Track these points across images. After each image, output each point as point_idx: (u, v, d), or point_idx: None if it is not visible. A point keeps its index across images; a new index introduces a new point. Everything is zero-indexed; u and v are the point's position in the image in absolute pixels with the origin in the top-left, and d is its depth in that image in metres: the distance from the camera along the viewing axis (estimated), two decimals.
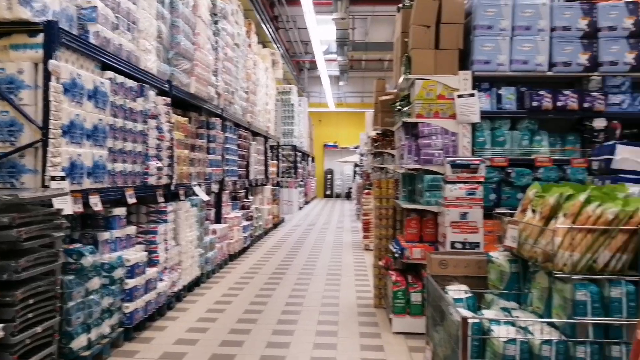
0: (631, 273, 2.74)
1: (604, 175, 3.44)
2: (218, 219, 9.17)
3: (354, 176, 27.38)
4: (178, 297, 6.57)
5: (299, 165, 23.08)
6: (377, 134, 10.35)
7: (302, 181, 23.22)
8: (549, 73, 5.63)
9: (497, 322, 2.88)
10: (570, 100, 5.50)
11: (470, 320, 2.78)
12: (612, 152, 3.31)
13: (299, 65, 28.15)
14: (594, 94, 5.49)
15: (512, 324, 2.88)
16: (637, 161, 3.30)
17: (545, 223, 3.12)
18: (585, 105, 5.49)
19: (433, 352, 3.64)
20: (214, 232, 8.38)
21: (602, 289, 2.72)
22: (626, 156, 3.29)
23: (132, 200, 5.22)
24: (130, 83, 5.32)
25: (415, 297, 5.46)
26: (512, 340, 2.73)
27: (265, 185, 13.94)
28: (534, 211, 3.36)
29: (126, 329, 5.08)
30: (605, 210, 2.75)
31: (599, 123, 5.51)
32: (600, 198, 2.83)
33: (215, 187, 8.70)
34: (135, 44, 5.61)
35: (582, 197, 2.88)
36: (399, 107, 6.17)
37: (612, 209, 2.73)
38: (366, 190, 12.63)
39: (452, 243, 5.01)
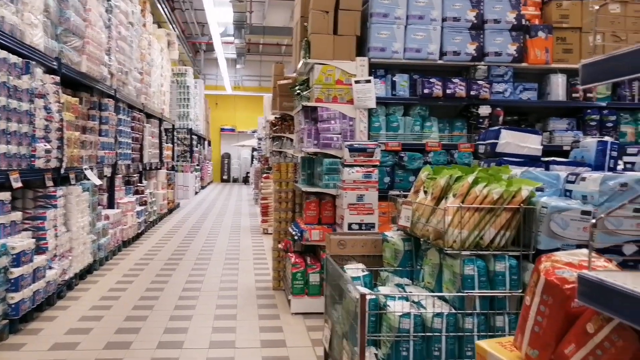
0: (513, 249, 2.97)
1: (489, 158, 3.69)
2: (111, 204, 8.83)
3: (252, 160, 27.29)
4: (69, 285, 6.28)
5: (195, 149, 22.64)
6: (276, 118, 10.38)
7: (198, 165, 22.82)
8: (440, 62, 5.91)
9: (393, 297, 3.02)
10: (458, 88, 5.80)
11: (368, 297, 2.89)
12: (497, 136, 3.55)
13: (195, 47, 27.50)
14: (480, 82, 5.83)
15: (406, 299, 3.03)
16: (519, 145, 3.56)
17: (436, 203, 3.30)
18: (472, 93, 5.82)
19: (332, 330, 3.75)
20: (107, 217, 8.07)
21: (487, 264, 2.93)
22: (509, 140, 3.54)
23: (17, 184, 4.91)
24: (14, 59, 4.98)
25: (314, 278, 5.58)
26: (406, 314, 2.88)
27: (159, 169, 13.56)
28: (425, 192, 3.54)
29: (11, 321, 4.80)
30: (491, 191, 2.95)
31: (484, 110, 5.87)
32: (486, 179, 3.03)
33: (107, 171, 8.36)
34: (20, 17, 5.25)
35: (470, 178, 3.07)
36: (298, 91, 6.23)
37: (497, 189, 2.94)
38: (265, 175, 12.65)
39: (350, 224, 5.16)
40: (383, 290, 3.30)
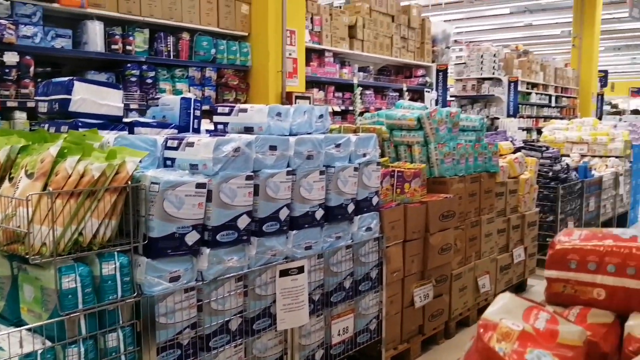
0: (121, 242, 2.23)
1: (58, 120, 2.75)
2: None
3: None
4: None
5: None
6: None
7: None
8: None
9: None
10: None
11: None
12: (69, 91, 2.64)
13: None
14: (4, 22, 4.56)
15: None
16: (97, 102, 2.74)
17: None
18: None
19: None
20: None
21: (92, 268, 2.12)
22: (85, 96, 2.69)
23: None
24: None
25: None
26: None
27: None
28: None
29: None
30: (89, 167, 2.12)
31: (11, 58, 4.66)
32: (78, 150, 2.17)
33: None
34: None
35: (53, 149, 2.15)
36: None
37: (97, 165, 2.13)
38: None
39: None
40: None
